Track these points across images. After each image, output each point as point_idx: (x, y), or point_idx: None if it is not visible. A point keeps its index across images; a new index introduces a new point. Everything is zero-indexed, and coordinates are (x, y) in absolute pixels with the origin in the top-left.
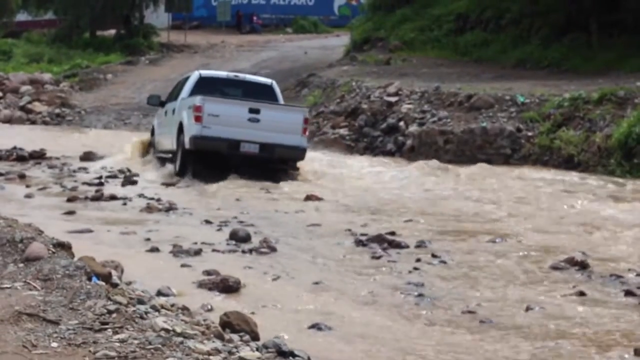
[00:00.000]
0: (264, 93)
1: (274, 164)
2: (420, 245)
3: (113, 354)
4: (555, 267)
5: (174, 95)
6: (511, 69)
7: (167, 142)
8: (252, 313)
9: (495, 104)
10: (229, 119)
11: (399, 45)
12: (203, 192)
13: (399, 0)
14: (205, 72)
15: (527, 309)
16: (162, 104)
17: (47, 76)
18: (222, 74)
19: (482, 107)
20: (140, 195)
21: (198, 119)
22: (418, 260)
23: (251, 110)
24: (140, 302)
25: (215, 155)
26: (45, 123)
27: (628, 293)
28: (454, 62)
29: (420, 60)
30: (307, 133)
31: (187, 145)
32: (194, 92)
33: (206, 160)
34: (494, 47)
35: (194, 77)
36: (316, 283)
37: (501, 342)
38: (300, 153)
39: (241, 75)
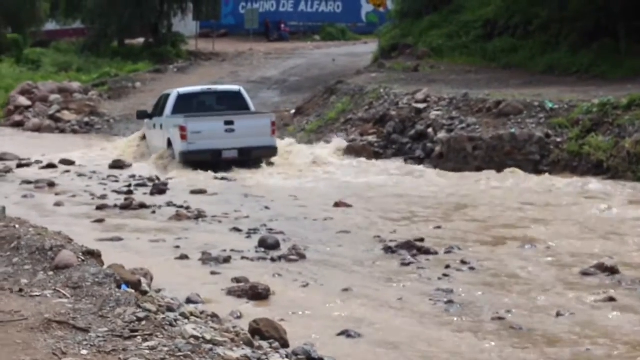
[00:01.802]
0: (234, 98)
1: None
2: (449, 251)
3: None
4: (585, 273)
5: (158, 110)
6: (540, 75)
7: (159, 150)
8: (282, 320)
9: (524, 110)
10: (209, 133)
11: (427, 52)
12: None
13: (427, 7)
14: (183, 90)
15: (558, 315)
16: (150, 116)
17: (76, 85)
18: (197, 89)
19: (510, 113)
20: (169, 204)
21: (184, 137)
22: (447, 266)
23: (227, 123)
24: (170, 309)
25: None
26: (74, 132)
27: None
28: (482, 68)
29: (449, 66)
30: (275, 134)
31: (177, 159)
32: (176, 108)
33: (193, 164)
34: (523, 54)
35: (173, 95)
36: (345, 290)
37: (531, 348)
38: (272, 151)
39: (213, 87)
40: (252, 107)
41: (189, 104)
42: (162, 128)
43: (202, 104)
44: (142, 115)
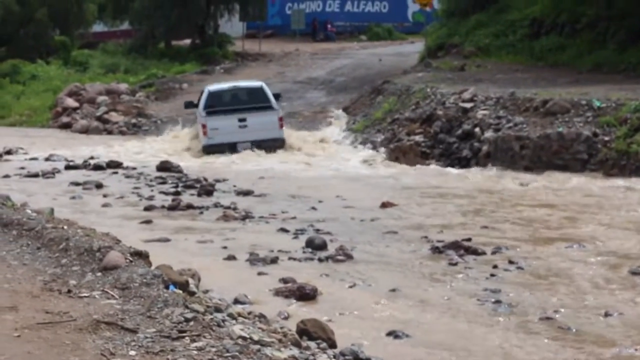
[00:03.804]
0: (256, 93)
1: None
2: (496, 251)
3: None
4: (633, 272)
5: (199, 102)
6: (587, 74)
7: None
8: (329, 320)
9: (571, 109)
10: (225, 129)
11: (474, 51)
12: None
13: (473, 6)
14: (213, 88)
15: (606, 314)
16: (196, 106)
17: (123, 86)
18: (224, 86)
19: (558, 112)
20: (217, 204)
21: (204, 133)
22: (495, 266)
23: (240, 120)
24: (218, 310)
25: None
26: (122, 133)
27: None
28: (529, 67)
29: (495, 65)
30: (283, 127)
31: (201, 151)
32: (207, 104)
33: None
34: (570, 52)
35: (205, 92)
36: (393, 290)
37: (580, 348)
38: (280, 142)
39: (238, 85)
40: (273, 100)
41: (218, 99)
42: (197, 120)
43: (230, 98)
44: (189, 105)
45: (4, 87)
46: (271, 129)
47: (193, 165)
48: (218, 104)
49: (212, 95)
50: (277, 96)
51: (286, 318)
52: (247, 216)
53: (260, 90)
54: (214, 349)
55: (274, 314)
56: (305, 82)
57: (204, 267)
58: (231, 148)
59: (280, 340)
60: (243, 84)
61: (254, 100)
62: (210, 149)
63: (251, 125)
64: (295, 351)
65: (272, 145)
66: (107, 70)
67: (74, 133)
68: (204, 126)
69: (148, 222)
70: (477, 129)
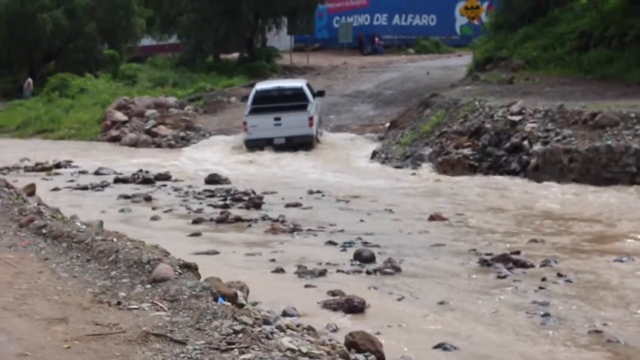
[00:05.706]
0: (297, 93)
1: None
2: (545, 264)
3: None
4: None
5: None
6: (636, 87)
7: None
8: (377, 333)
9: (620, 122)
10: (263, 126)
11: (522, 64)
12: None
13: (521, 19)
14: (260, 87)
15: None
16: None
17: (171, 100)
18: (270, 86)
19: (606, 124)
20: (265, 217)
21: (245, 129)
22: (543, 279)
23: (275, 118)
24: (266, 322)
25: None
26: (170, 146)
27: None
28: (578, 80)
29: (544, 78)
30: (312, 125)
31: (244, 144)
32: (253, 102)
33: (253, 148)
34: (618, 65)
35: (253, 91)
36: (441, 303)
37: None
38: (310, 138)
39: (282, 85)
40: (311, 99)
41: (264, 98)
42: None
43: (274, 97)
44: (244, 99)
45: (53, 101)
46: (301, 126)
47: (241, 176)
48: (262, 102)
49: (258, 93)
50: (321, 93)
51: (334, 330)
52: (295, 229)
53: (300, 90)
54: None
55: (322, 326)
56: (353, 95)
57: (253, 279)
58: (268, 142)
59: (328, 353)
60: (286, 85)
61: (294, 99)
62: (250, 143)
63: (284, 123)
64: None
65: (302, 140)
66: (155, 84)
67: (123, 146)
68: (245, 123)
69: (197, 234)
70: (525, 142)
